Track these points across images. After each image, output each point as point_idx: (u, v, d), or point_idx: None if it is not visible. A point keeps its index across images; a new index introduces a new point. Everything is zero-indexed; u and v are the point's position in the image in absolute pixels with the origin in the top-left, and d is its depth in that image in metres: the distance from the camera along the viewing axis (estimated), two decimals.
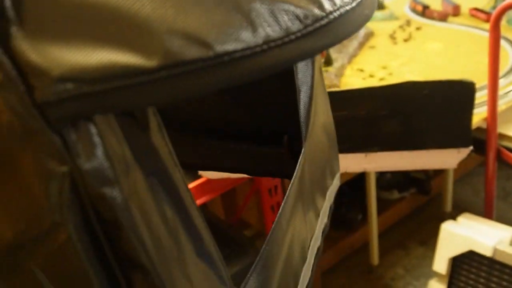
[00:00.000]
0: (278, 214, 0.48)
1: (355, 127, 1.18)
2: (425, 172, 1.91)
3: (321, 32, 0.34)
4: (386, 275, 1.81)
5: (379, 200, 1.87)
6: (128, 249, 0.33)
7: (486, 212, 1.31)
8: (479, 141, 1.28)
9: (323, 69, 1.42)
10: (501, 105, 1.26)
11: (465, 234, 1.18)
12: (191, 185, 1.09)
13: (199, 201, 1.12)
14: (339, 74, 1.46)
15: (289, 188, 0.49)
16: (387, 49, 1.69)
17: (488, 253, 1.16)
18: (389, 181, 1.92)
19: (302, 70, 0.52)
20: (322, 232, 0.62)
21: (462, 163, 2.06)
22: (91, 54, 0.29)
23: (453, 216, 1.31)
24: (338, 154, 0.68)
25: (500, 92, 1.28)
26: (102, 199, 0.31)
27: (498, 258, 1.16)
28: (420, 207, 2.00)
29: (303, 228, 0.53)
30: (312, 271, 0.57)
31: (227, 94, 0.77)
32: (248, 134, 0.78)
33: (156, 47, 0.29)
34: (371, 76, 1.49)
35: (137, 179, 0.33)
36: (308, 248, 0.56)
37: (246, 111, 0.78)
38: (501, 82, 1.35)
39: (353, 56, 1.59)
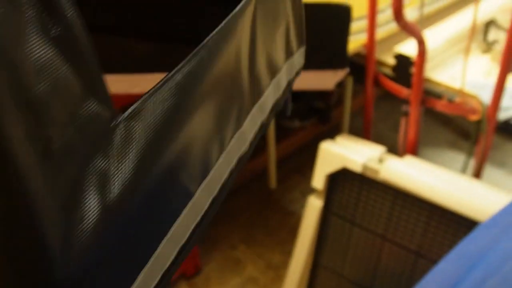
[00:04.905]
0: None
1: None
2: (326, 102, 2.00)
3: None
4: (284, 198, 1.92)
5: (281, 128, 1.96)
6: None
7: (364, 133, 1.41)
8: (360, 67, 1.36)
9: None
10: (381, 32, 1.34)
11: (339, 152, 1.28)
12: None
13: None
14: None
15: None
16: None
17: (358, 169, 1.26)
18: (292, 110, 1.99)
19: None
20: (272, 107, 0.61)
21: (361, 97, 2.18)
22: None
23: None
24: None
25: (382, 20, 1.36)
26: None
27: (368, 174, 1.26)
28: (319, 135, 2.10)
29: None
30: (251, 146, 0.56)
31: None
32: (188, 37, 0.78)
33: None
34: None
35: None
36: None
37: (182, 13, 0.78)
38: (386, 14, 1.42)
39: None
